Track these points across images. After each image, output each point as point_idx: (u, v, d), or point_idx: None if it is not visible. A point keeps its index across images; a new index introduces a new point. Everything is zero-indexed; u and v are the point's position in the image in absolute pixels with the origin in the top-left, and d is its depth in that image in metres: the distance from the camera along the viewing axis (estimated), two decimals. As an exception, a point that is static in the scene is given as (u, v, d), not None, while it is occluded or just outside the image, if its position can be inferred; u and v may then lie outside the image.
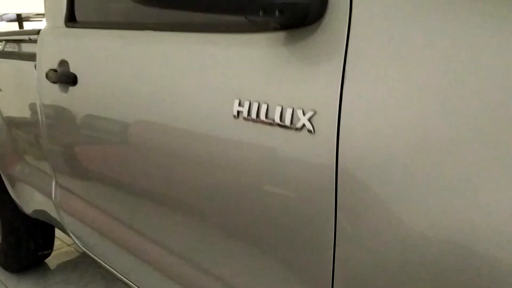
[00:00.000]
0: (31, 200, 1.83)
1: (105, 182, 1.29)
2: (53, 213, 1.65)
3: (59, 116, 1.39)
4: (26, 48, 1.63)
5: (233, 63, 0.84)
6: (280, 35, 0.77)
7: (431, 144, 0.56)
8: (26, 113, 1.64)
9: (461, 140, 0.54)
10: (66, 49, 1.34)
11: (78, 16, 1.38)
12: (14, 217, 2.05)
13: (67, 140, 1.41)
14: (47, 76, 1.38)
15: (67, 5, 1.39)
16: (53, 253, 2.28)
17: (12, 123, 1.80)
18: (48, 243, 2.20)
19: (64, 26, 1.39)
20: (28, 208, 1.87)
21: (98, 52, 1.22)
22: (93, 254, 1.47)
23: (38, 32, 1.51)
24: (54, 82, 1.35)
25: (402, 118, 0.59)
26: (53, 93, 1.37)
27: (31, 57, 1.54)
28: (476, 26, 0.55)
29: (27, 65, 1.56)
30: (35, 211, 1.82)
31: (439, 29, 0.58)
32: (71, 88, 1.29)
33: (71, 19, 1.39)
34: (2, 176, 2.00)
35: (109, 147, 1.22)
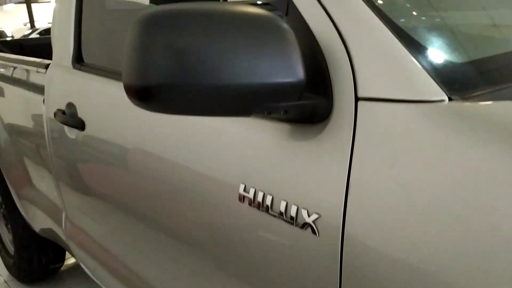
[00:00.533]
0: (40, 221, 1.87)
1: (114, 224, 1.31)
2: (62, 239, 1.68)
3: (68, 156, 1.41)
4: (35, 78, 1.64)
5: (240, 146, 0.84)
6: (287, 126, 0.77)
7: (430, 263, 0.56)
8: (36, 144, 1.66)
9: (458, 260, 0.54)
10: (73, 91, 1.35)
11: (86, 57, 1.38)
12: (25, 234, 2.09)
13: (77, 181, 1.42)
14: (55, 115, 1.39)
15: (74, 45, 1.39)
16: (65, 264, 2.34)
17: (22, 150, 1.83)
18: (59, 257, 2.25)
19: (72, 66, 1.39)
20: (37, 226, 1.91)
21: (106, 101, 1.22)
22: (101, 284, 1.51)
23: (46, 66, 1.51)
24: (62, 123, 1.36)
25: (404, 232, 0.59)
26: (61, 133, 1.38)
27: (40, 90, 1.55)
28: (476, 153, 0.55)
29: (36, 97, 1.57)
30: (43, 230, 1.86)
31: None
32: (79, 133, 1.30)
33: (78, 60, 1.39)
34: (13, 194, 2.03)
35: (117, 194, 1.24)
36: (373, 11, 0.70)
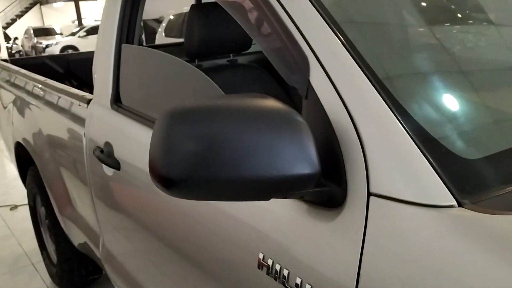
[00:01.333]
0: (79, 238, 1.98)
1: (147, 259, 1.38)
2: (98, 259, 1.78)
3: (105, 190, 1.50)
4: (77, 109, 1.73)
5: (261, 216, 0.88)
6: (304, 205, 0.80)
7: None
8: (76, 171, 1.76)
9: None
10: (111, 131, 1.43)
11: (123, 99, 1.46)
12: (67, 248, 2.22)
13: (114, 213, 1.51)
14: (94, 152, 1.48)
15: (113, 87, 1.47)
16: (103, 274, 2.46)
17: (64, 172, 1.94)
18: (97, 269, 2.37)
19: (110, 106, 1.47)
20: (75, 242, 2.03)
21: (140, 145, 1.29)
22: None
23: (88, 101, 1.60)
24: (100, 161, 1.45)
25: None
26: (100, 169, 1.47)
27: (81, 122, 1.65)
28: (479, 263, 0.57)
29: (77, 128, 1.67)
30: (81, 246, 1.98)
31: None
32: (115, 172, 1.38)
33: (116, 101, 1.47)
34: (55, 210, 2.16)
35: (149, 233, 1.31)
36: (389, 108, 0.72)
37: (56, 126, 1.92)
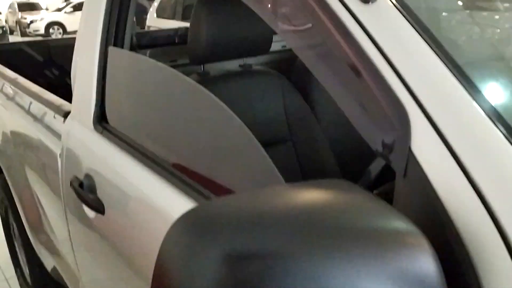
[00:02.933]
0: (54, 268, 1.68)
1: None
2: None
3: (86, 235, 1.18)
4: (51, 121, 1.40)
5: None
6: None
7: None
8: (51, 196, 1.44)
9: None
10: (92, 160, 1.11)
11: (111, 118, 1.13)
12: (43, 274, 1.91)
13: (95, 258, 1.20)
14: (71, 184, 1.15)
15: (96, 101, 1.14)
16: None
17: (36, 191, 1.61)
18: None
19: (93, 127, 1.14)
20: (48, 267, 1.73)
21: (131, 186, 0.97)
22: None
23: (65, 114, 1.27)
24: (79, 197, 1.13)
25: None
26: (78, 205, 1.15)
27: (58, 137, 1.32)
28: None
29: (52, 146, 1.34)
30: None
31: None
32: (97, 215, 1.06)
33: (100, 119, 1.14)
34: (28, 232, 1.84)
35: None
36: None
37: (27, 136, 1.58)
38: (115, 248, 1.05)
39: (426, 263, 0.41)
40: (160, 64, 1.01)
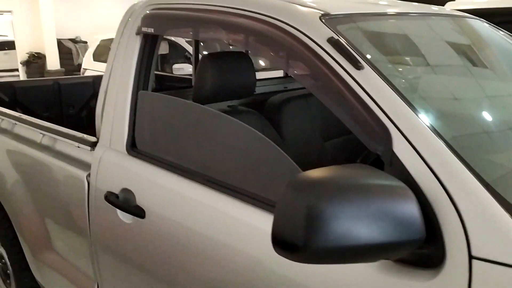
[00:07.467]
0: (59, 285, 1.87)
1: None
2: None
3: (118, 239, 1.46)
4: (73, 151, 1.68)
5: (346, 270, 0.94)
6: (395, 266, 0.88)
7: None
8: (65, 211, 1.69)
9: None
10: (129, 178, 1.42)
11: (139, 144, 1.46)
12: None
13: (126, 264, 1.46)
14: (106, 197, 1.44)
15: (129, 132, 1.46)
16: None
17: (44, 210, 1.84)
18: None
19: (126, 152, 1.46)
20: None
21: (168, 194, 1.30)
22: None
23: (91, 144, 1.57)
24: (115, 206, 1.42)
25: None
26: (111, 214, 1.44)
27: (79, 164, 1.60)
28: None
29: (75, 171, 1.61)
30: None
31: None
32: (136, 220, 1.36)
33: (132, 146, 1.46)
34: (28, 256, 2.01)
35: (176, 282, 1.31)
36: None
37: (37, 166, 1.82)
38: (153, 248, 1.35)
39: (412, 205, 0.80)
40: (184, 101, 1.39)
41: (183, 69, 5.26)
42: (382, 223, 0.75)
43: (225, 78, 1.60)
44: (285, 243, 0.75)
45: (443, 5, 3.09)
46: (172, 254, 1.29)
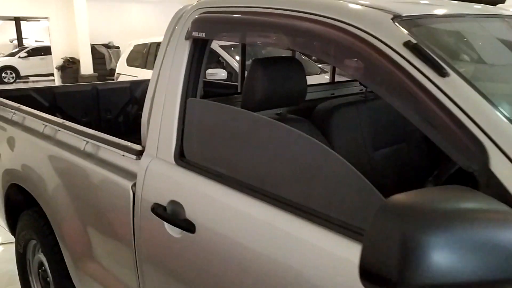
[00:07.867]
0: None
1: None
2: None
3: (165, 253, 1.40)
4: (117, 159, 1.63)
5: None
6: None
7: None
8: (110, 221, 1.64)
9: None
10: (179, 189, 1.35)
11: (188, 154, 1.39)
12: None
13: (174, 280, 1.39)
14: (153, 209, 1.38)
15: (177, 141, 1.40)
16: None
17: (87, 220, 1.79)
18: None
19: (174, 162, 1.39)
20: None
21: (221, 208, 1.22)
22: None
23: (137, 153, 1.51)
24: (163, 219, 1.35)
25: None
26: (158, 227, 1.37)
27: (129, 175, 1.54)
28: None
29: (120, 181, 1.55)
30: None
31: None
32: (186, 234, 1.29)
33: (180, 156, 1.39)
34: (70, 266, 1.98)
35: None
36: None
37: (81, 174, 1.78)
38: (203, 264, 1.28)
39: None
40: (237, 109, 1.31)
41: (217, 74, 5.23)
42: (491, 256, 0.65)
43: (277, 84, 1.52)
44: (376, 276, 0.66)
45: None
46: (224, 273, 1.21)
